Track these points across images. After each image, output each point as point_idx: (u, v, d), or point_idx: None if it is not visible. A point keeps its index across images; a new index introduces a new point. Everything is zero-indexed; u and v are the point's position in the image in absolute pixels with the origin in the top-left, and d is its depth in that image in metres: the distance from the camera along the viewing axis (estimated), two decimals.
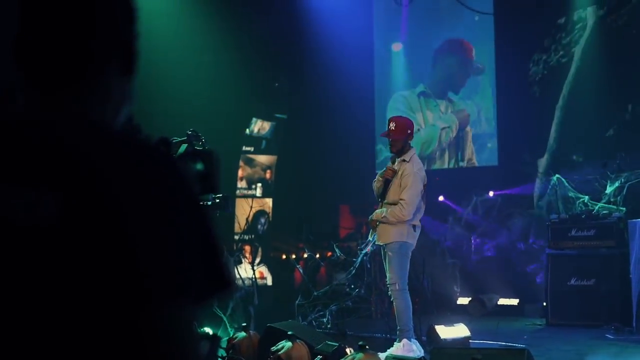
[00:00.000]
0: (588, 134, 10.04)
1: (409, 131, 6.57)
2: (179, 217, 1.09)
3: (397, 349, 6.23)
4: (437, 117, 11.90)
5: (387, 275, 6.45)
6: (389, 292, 6.47)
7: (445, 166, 11.67)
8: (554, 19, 10.55)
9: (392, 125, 6.54)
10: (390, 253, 6.39)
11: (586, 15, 10.38)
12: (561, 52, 10.55)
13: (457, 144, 11.70)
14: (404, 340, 6.26)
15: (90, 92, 1.19)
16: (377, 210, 6.57)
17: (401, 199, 6.35)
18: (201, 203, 1.15)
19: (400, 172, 6.49)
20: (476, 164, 11.41)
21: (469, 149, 11.57)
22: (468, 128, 11.62)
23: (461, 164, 11.59)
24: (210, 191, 1.89)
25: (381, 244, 6.51)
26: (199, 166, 1.84)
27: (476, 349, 5.54)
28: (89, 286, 1.03)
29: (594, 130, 9.97)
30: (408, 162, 6.54)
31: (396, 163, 6.62)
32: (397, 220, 6.35)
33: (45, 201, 1.04)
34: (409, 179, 6.41)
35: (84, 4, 1.19)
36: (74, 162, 1.06)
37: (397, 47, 12.31)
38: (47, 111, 1.16)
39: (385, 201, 6.52)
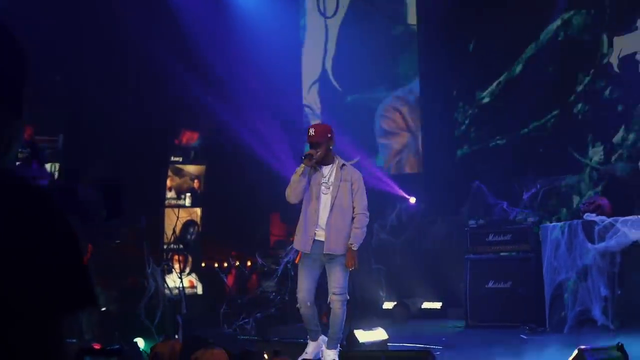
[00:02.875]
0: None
1: (329, 135, 6.34)
2: (44, 241, 1.23)
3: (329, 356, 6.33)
4: None
5: (334, 284, 6.30)
6: (331, 301, 6.31)
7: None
8: None
9: (312, 131, 6.34)
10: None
11: None
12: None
13: None
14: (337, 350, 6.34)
15: None
16: (352, 242, 6.33)
17: (362, 206, 6.36)
18: (67, 229, 1.30)
19: (348, 177, 6.37)
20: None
21: None
22: None
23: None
24: (116, 217, 2.03)
25: (336, 254, 6.33)
26: (105, 195, 1.99)
27: (382, 351, 5.75)
28: None
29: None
30: (347, 166, 6.46)
31: (333, 170, 6.41)
32: (365, 226, 6.43)
33: None
34: (362, 185, 6.41)
35: None
36: None
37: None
38: None
39: (336, 204, 6.33)
